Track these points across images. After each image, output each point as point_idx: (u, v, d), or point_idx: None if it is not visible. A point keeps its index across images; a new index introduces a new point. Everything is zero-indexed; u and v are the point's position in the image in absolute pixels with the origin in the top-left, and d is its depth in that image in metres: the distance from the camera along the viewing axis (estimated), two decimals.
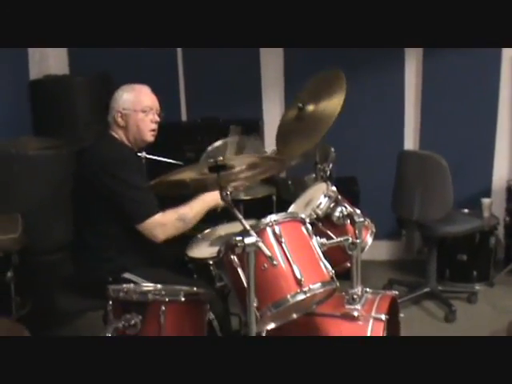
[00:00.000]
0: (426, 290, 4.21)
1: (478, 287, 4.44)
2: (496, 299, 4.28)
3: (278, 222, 2.21)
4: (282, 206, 2.89)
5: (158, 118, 2.90)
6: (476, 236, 4.46)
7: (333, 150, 3.29)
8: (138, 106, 2.84)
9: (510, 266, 4.56)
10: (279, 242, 2.17)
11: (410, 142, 5.02)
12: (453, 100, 4.84)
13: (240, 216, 2.14)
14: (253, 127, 4.62)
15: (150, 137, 2.90)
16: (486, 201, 4.57)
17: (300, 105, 2.91)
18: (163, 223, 2.73)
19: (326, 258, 2.30)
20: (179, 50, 5.06)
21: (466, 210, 4.60)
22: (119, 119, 2.84)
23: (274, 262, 2.11)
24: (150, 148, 3.08)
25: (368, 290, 2.64)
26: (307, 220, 2.35)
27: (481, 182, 4.93)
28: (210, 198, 2.80)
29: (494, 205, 4.61)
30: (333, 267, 2.30)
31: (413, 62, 4.90)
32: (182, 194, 2.60)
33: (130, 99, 2.85)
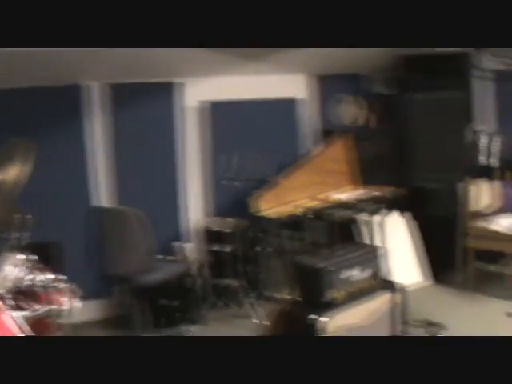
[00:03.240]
0: None
1: (192, 329, 4.59)
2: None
3: None
4: None
5: None
6: (180, 279, 4.62)
7: (29, 216, 3.21)
8: None
9: (209, 301, 4.88)
10: None
11: (106, 198, 5.05)
12: (141, 153, 5.05)
13: None
14: None
15: None
16: (181, 244, 4.75)
17: None
18: None
19: (33, 330, 2.24)
20: None
21: (168, 257, 4.76)
22: None
23: None
24: None
25: None
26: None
27: (175, 228, 5.20)
28: None
29: (192, 247, 4.83)
30: None
31: (98, 119, 4.99)
32: None
33: None
